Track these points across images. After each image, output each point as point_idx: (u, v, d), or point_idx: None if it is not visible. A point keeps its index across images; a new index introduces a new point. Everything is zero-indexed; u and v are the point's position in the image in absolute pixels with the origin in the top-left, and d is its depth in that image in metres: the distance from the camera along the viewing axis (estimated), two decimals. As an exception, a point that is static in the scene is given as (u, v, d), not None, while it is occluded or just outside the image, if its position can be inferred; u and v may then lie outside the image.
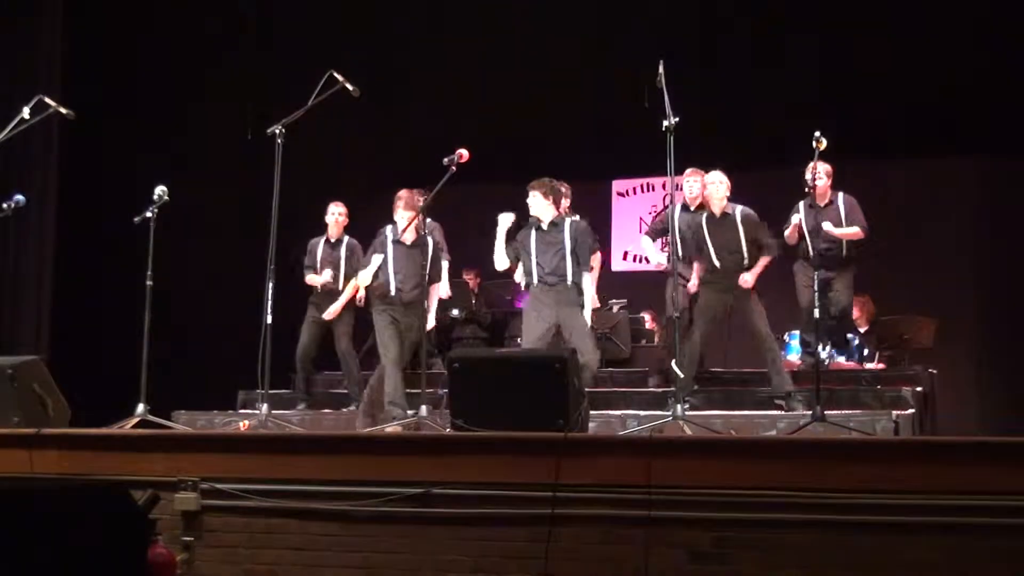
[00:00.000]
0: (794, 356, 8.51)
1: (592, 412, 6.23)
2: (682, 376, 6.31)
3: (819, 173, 7.35)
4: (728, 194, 7.29)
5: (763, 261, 7.24)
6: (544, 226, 6.99)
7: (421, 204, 7.08)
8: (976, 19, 9.32)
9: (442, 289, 7.76)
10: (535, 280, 6.94)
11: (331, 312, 7.96)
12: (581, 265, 6.92)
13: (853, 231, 7.66)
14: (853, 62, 9.94)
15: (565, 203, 7.49)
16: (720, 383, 7.89)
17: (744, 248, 7.22)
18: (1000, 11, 9.12)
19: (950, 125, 9.74)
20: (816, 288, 6.83)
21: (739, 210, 7.28)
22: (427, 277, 7.10)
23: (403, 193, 7.31)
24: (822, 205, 7.63)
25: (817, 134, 6.13)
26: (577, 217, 7.33)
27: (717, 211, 7.28)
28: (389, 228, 7.28)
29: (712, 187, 7.28)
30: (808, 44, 9.94)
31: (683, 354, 6.79)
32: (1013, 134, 9.48)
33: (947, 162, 10.30)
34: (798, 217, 7.63)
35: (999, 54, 9.26)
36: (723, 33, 10.23)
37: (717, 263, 7.26)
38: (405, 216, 7.16)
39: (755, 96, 10.24)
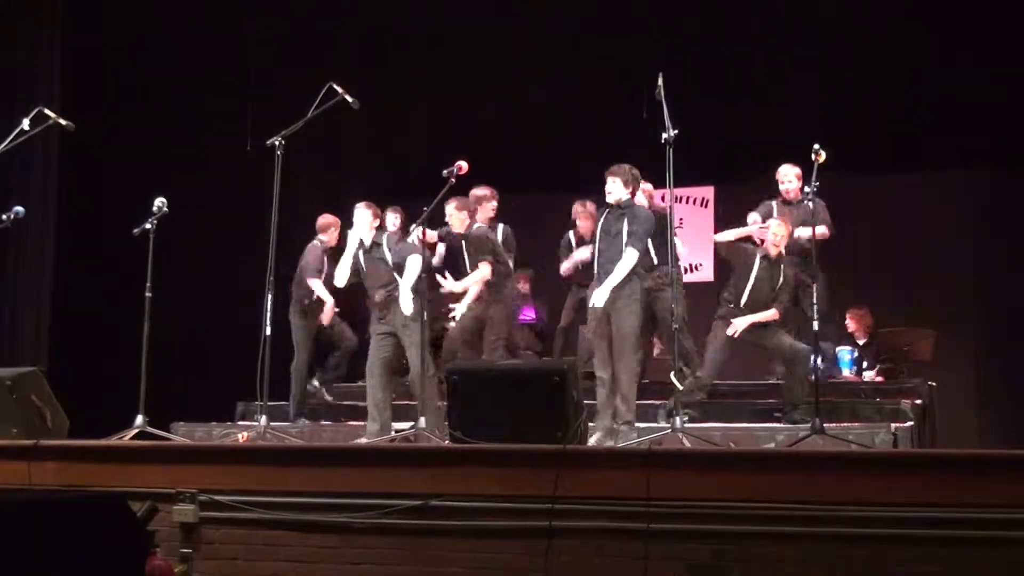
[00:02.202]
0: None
1: (590, 424, 6.21)
2: (681, 388, 6.30)
3: (790, 177, 7.46)
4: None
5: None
6: None
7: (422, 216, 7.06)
8: (977, 27, 9.32)
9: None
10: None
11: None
12: None
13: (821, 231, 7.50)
14: (854, 74, 9.94)
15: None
16: (718, 395, 7.86)
17: None
18: (1001, 20, 9.13)
19: (949, 136, 9.73)
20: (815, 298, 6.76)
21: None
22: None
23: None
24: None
25: (816, 147, 6.14)
26: None
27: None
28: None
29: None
30: (809, 56, 9.95)
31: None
32: (1013, 146, 9.48)
33: (946, 174, 10.29)
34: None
35: (1000, 64, 9.26)
36: (723, 45, 10.23)
37: None
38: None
39: (754, 108, 10.24)
